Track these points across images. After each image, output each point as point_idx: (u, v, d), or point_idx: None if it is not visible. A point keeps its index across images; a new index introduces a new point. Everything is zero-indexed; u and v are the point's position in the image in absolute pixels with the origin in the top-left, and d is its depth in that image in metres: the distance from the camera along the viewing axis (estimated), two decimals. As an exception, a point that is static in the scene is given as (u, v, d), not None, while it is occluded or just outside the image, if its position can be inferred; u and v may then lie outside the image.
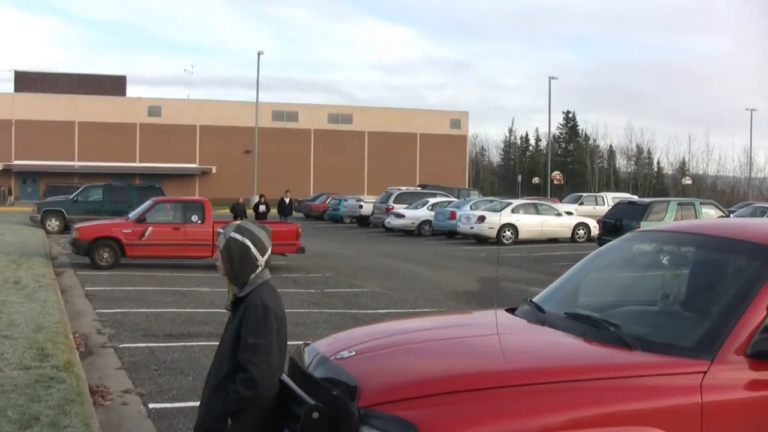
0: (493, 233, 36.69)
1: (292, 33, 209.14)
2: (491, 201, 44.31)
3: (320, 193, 70.77)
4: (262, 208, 38.78)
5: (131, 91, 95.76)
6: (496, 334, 5.48)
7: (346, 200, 56.97)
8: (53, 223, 38.60)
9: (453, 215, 39.95)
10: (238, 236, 4.97)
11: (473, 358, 5.01)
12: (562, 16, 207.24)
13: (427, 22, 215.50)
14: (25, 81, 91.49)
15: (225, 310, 5.16)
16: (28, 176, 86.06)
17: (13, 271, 19.89)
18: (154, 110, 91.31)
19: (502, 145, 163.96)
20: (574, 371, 4.60)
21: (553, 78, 79.88)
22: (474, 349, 5.22)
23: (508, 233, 36.96)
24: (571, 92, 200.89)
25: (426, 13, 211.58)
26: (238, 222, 5.19)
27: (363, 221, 51.61)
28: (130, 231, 23.89)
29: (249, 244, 4.96)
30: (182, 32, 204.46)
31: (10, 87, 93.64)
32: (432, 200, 45.38)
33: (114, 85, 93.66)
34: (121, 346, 12.57)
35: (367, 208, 51.23)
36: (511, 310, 6.20)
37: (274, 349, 4.81)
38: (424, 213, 43.66)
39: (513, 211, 37.88)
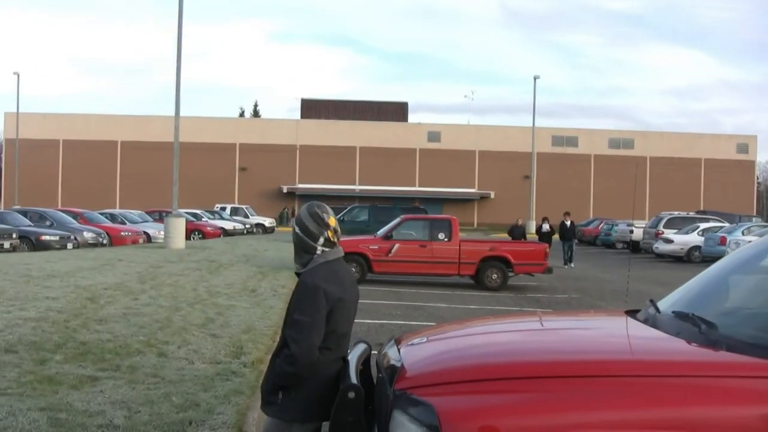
0: (762, 259, 34.68)
1: (579, 59, 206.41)
2: (765, 227, 41.84)
3: (593, 218, 69.78)
4: (545, 227, 38.28)
5: (412, 118, 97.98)
6: (577, 329, 5.28)
7: (617, 225, 55.84)
8: (318, 242, 39.84)
9: (723, 241, 37.99)
10: (295, 226, 5.20)
11: (525, 350, 4.81)
12: None
13: (722, 43, 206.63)
14: (311, 108, 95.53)
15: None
16: (310, 199, 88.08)
17: (257, 281, 20.76)
18: (433, 136, 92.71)
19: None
20: (624, 366, 4.26)
21: None
22: (535, 344, 5.03)
23: (777, 260, 34.73)
24: None
25: (720, 34, 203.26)
26: (306, 206, 5.32)
27: (634, 246, 50.30)
28: (377, 247, 24.41)
29: (299, 231, 5.17)
30: (465, 61, 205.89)
31: (297, 114, 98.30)
32: (703, 225, 43.48)
33: (395, 112, 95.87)
34: (327, 351, 12.85)
35: (638, 233, 49.99)
36: (634, 312, 5.86)
37: (317, 328, 4.83)
38: (693, 238, 41.88)
39: (787, 237, 35.60)
